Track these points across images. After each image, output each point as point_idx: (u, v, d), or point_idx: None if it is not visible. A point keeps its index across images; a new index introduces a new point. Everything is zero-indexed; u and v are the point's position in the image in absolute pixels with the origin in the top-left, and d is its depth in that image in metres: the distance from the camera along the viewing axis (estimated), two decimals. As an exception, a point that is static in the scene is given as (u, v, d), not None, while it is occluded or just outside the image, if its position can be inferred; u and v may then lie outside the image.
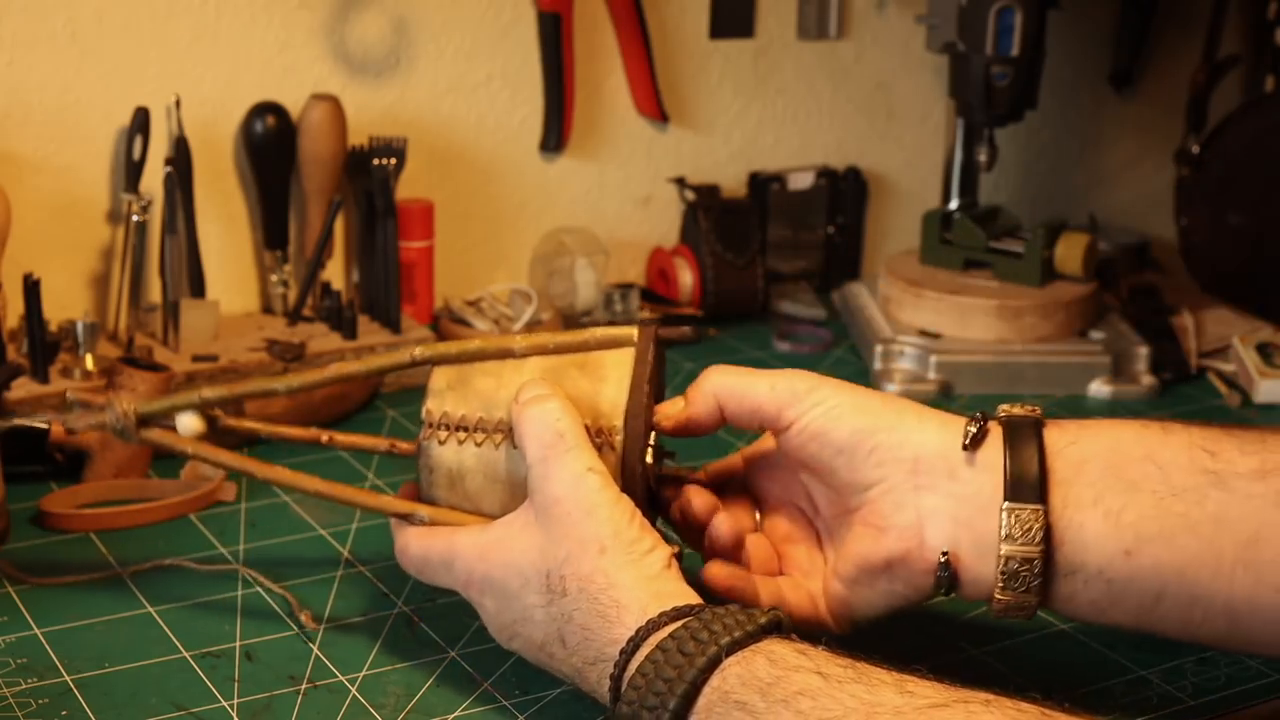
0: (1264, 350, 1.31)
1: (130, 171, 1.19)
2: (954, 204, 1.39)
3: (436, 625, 0.88)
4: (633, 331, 0.83)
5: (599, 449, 0.79)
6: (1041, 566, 0.76)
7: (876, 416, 0.79)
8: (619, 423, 0.80)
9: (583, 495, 0.76)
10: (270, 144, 1.25)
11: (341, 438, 0.89)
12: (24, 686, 0.81)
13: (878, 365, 1.30)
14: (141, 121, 1.18)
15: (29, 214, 1.17)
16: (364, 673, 0.83)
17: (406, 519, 0.83)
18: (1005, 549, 0.76)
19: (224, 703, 0.80)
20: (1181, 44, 1.67)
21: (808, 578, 0.83)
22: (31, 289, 1.09)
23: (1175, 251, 1.55)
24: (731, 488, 0.87)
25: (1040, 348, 1.29)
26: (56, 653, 0.84)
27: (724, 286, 1.41)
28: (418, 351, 0.84)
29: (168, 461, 1.06)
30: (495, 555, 0.78)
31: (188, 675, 0.82)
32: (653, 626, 0.72)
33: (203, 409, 0.86)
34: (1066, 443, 0.78)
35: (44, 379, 1.10)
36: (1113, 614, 0.78)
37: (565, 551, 0.75)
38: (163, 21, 1.22)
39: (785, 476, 0.85)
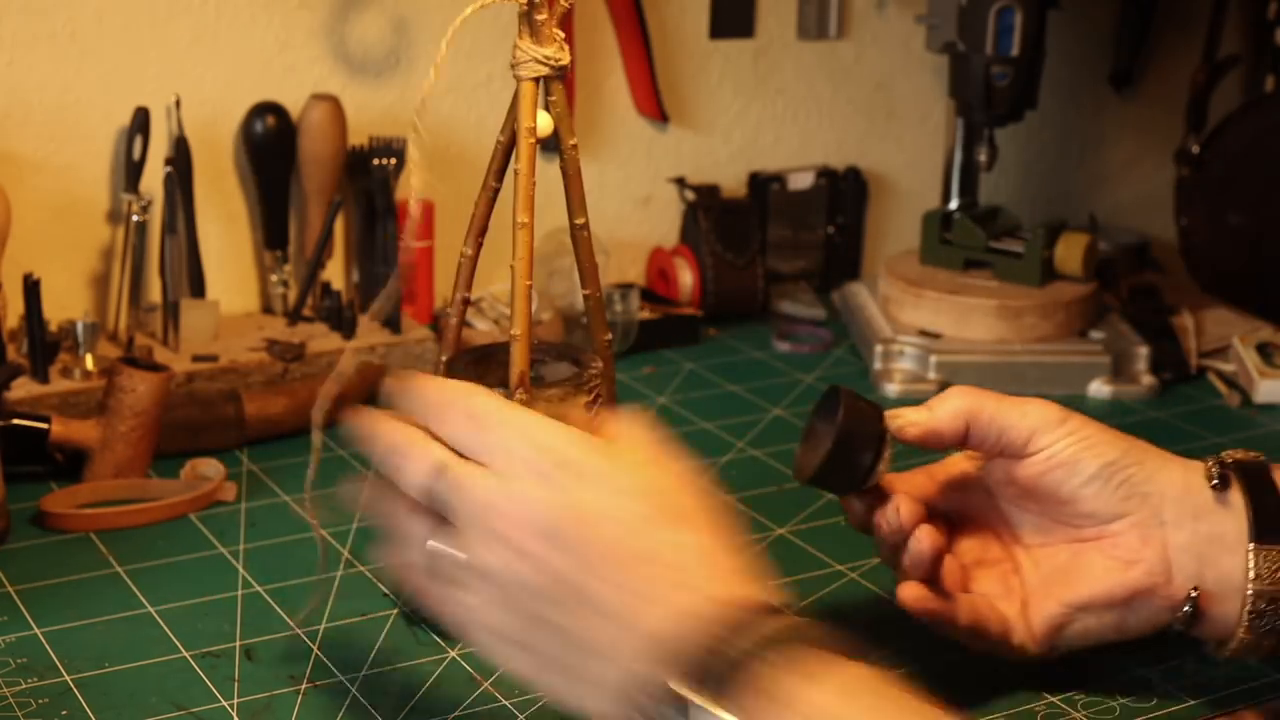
0: (1264, 350, 1.30)
1: (130, 171, 1.19)
2: (954, 204, 1.39)
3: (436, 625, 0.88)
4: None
5: None
6: None
7: (1124, 452, 0.81)
8: None
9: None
10: (270, 144, 1.25)
11: None
12: (24, 686, 0.81)
13: (878, 365, 1.30)
14: (141, 121, 1.19)
15: (29, 214, 1.17)
16: (364, 673, 0.83)
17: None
18: (1253, 588, 0.78)
19: (224, 702, 0.80)
20: (1181, 44, 1.67)
21: (1000, 601, 0.83)
22: (31, 289, 1.09)
23: (1175, 251, 1.55)
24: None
25: (1040, 348, 1.29)
26: (56, 653, 0.84)
27: (724, 286, 1.41)
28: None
29: (168, 461, 1.06)
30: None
31: (187, 675, 0.82)
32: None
33: None
34: None
35: (44, 379, 1.10)
36: None
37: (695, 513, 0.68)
38: (163, 22, 1.22)
39: (981, 500, 0.86)
